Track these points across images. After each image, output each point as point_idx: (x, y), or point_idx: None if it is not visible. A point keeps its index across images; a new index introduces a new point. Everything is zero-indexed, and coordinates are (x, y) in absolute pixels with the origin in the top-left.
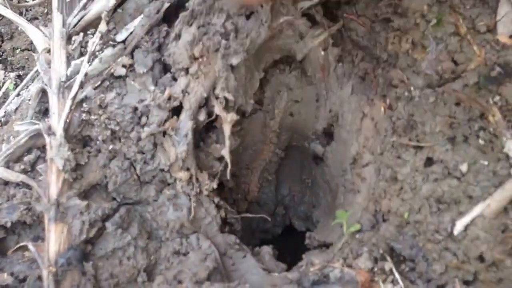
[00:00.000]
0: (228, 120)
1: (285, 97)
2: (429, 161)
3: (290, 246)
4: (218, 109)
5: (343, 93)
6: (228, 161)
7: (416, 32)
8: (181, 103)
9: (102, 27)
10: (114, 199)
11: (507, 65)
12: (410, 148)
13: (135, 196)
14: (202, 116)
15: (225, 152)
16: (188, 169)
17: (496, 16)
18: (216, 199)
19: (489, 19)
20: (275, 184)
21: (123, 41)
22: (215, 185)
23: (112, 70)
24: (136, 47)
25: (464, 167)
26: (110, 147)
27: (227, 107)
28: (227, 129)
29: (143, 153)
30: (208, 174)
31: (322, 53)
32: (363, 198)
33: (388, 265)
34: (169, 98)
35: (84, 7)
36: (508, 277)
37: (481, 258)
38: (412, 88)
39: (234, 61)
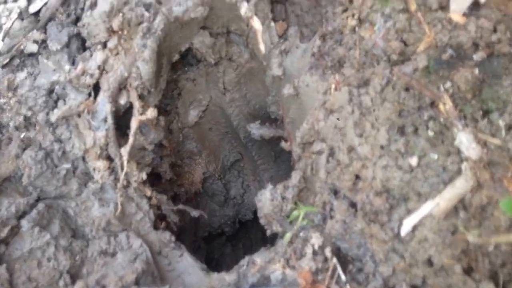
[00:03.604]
0: (138, 113)
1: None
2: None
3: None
4: (132, 96)
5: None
6: (125, 163)
7: (363, 7)
8: (98, 83)
9: (22, 2)
10: (31, 193)
11: (460, 47)
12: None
13: (54, 190)
14: (123, 99)
15: (124, 151)
16: (109, 158)
17: None
18: (149, 192)
19: None
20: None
21: (37, 13)
22: (144, 176)
23: (22, 47)
24: (50, 19)
25: (413, 161)
26: (23, 135)
27: (142, 96)
28: (134, 123)
29: (60, 142)
30: (136, 163)
31: (261, 27)
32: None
33: (334, 265)
34: (83, 75)
35: None
36: (457, 284)
37: (429, 262)
38: (360, 69)
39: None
